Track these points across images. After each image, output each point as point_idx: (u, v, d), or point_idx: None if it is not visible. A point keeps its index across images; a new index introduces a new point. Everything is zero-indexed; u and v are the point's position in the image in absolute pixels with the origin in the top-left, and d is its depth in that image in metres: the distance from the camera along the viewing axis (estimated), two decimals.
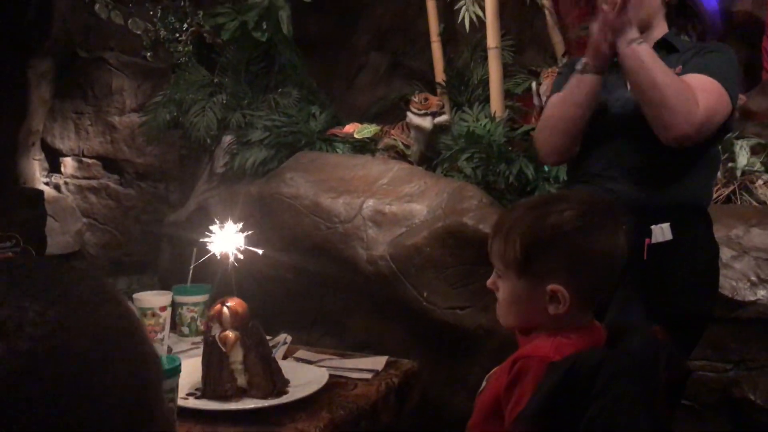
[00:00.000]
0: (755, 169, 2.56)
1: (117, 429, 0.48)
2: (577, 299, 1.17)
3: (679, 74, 1.58)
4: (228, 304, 1.42)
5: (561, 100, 1.66)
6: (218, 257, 1.53)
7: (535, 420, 1.11)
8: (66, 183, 4.34)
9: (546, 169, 2.74)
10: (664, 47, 1.66)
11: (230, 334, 1.40)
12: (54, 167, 4.33)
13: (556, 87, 1.76)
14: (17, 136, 4.01)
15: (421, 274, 2.56)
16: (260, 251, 1.50)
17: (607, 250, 1.17)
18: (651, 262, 1.56)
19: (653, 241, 1.56)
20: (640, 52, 1.53)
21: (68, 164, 4.32)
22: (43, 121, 4.21)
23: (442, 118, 3.03)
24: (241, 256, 1.51)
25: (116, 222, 4.36)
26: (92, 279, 0.51)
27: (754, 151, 2.65)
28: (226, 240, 1.51)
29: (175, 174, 4.19)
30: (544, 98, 3.12)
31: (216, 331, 1.42)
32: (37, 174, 4.25)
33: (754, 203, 2.44)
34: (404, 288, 2.58)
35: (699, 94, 1.52)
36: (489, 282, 1.26)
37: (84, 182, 4.35)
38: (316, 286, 2.78)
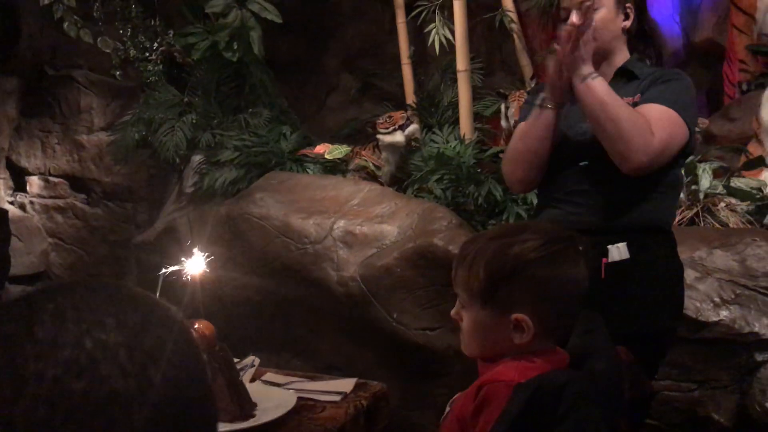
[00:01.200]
0: (717, 191, 2.62)
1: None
2: (541, 328, 1.18)
3: (637, 102, 1.63)
4: (195, 327, 1.40)
5: (524, 133, 1.72)
6: (187, 280, 1.51)
7: None
8: (31, 202, 4.27)
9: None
10: (624, 75, 1.71)
11: None
12: (19, 186, 4.26)
13: (523, 115, 1.81)
14: None
15: (391, 295, 2.56)
16: (233, 274, 1.48)
17: (570, 278, 1.19)
18: (609, 281, 1.59)
19: (610, 260, 1.60)
20: (595, 88, 1.57)
21: (34, 183, 4.25)
22: (9, 139, 4.15)
23: (412, 128, 3.05)
24: (203, 280, 1.50)
25: (83, 242, 4.29)
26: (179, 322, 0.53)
27: (716, 174, 2.71)
28: (194, 264, 1.50)
29: (143, 194, 4.15)
30: (512, 121, 3.17)
31: None
32: (2, 193, 4.18)
33: (717, 225, 2.49)
34: (374, 309, 2.58)
35: (655, 124, 1.56)
36: (453, 312, 1.27)
37: (50, 201, 4.28)
38: (285, 307, 2.76)
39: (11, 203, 4.18)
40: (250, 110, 3.29)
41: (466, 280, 1.20)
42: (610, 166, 1.59)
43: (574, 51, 1.58)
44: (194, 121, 3.20)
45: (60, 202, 4.28)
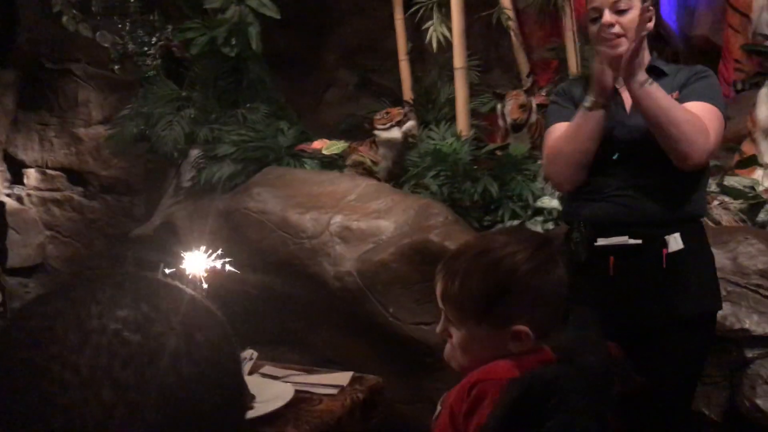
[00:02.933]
0: (711, 189, 2.64)
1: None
2: (537, 331, 1.21)
3: (678, 99, 1.71)
4: None
5: (569, 135, 1.77)
6: (188, 278, 1.53)
7: None
8: (29, 195, 4.28)
9: (512, 186, 2.79)
10: (653, 72, 1.75)
11: None
12: (17, 179, 4.27)
13: (554, 116, 1.88)
14: None
15: (387, 290, 2.58)
16: (235, 270, 1.50)
17: (559, 281, 1.21)
18: (669, 270, 1.70)
19: (669, 250, 1.70)
20: (653, 93, 1.65)
21: (31, 176, 4.26)
22: (6, 131, 4.16)
23: (409, 124, 3.06)
24: (205, 276, 1.51)
25: (80, 235, 4.30)
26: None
27: (710, 173, 2.73)
28: (196, 262, 1.52)
29: (140, 187, 4.16)
30: (509, 120, 3.20)
31: None
32: None
33: (710, 223, 2.52)
34: (370, 304, 2.60)
35: (706, 122, 1.67)
36: (438, 330, 1.28)
37: (47, 194, 4.29)
38: (282, 301, 2.78)
39: (8, 196, 4.19)
40: (248, 105, 3.31)
41: (456, 299, 1.21)
42: (658, 161, 1.68)
43: (634, 58, 1.65)
44: (192, 116, 3.22)
45: (57, 195, 4.29)
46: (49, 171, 4.27)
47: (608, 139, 1.75)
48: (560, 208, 2.65)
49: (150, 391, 0.48)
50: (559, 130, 1.81)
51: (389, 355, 2.62)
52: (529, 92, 3.25)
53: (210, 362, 0.52)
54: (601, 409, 1.26)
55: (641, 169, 1.73)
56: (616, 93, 1.77)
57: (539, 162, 2.93)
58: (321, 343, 2.74)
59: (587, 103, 1.73)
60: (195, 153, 3.24)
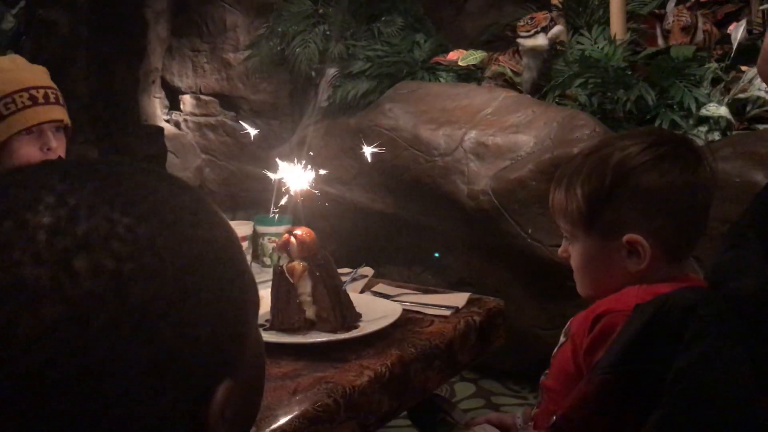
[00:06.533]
0: None
1: (207, 360, 0.43)
2: (660, 248, 0.99)
3: None
4: (295, 234, 1.35)
5: None
6: (291, 192, 1.48)
7: (615, 369, 0.96)
8: (185, 120, 4.46)
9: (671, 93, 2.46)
10: None
11: (297, 264, 1.34)
12: (174, 105, 4.46)
13: None
14: (138, 75, 4.14)
15: (525, 210, 2.40)
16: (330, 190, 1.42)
17: (686, 183, 0.98)
18: None
19: None
20: None
21: (187, 102, 4.43)
22: (162, 59, 4.33)
23: (556, 30, 2.78)
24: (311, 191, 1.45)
25: (234, 158, 4.45)
26: (191, 193, 0.46)
27: None
28: (296, 176, 1.45)
29: (287, 110, 4.20)
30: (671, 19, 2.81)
31: (284, 261, 1.36)
32: (158, 111, 4.40)
33: None
34: (507, 224, 2.44)
35: None
36: (560, 250, 1.11)
37: (202, 119, 4.45)
38: (415, 221, 2.69)
39: (167, 121, 4.40)
40: (384, 18, 3.16)
41: (563, 207, 1.04)
42: None
43: None
44: (327, 33, 3.13)
45: (211, 120, 4.44)
46: (202, 96, 4.42)
47: None
48: (729, 116, 2.30)
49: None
50: None
51: (528, 279, 2.46)
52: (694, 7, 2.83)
53: (93, 298, 0.40)
54: (755, 344, 1.05)
55: None
56: None
57: (707, 65, 2.56)
58: (455, 264, 2.63)
59: None
60: (332, 71, 3.17)
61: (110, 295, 0.39)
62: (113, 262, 0.39)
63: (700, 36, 2.76)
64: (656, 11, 3.01)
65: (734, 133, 2.33)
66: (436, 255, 2.63)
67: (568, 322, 1.13)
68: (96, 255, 0.39)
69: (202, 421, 0.44)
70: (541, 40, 2.81)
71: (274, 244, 1.72)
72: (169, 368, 0.41)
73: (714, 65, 2.54)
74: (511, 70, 2.86)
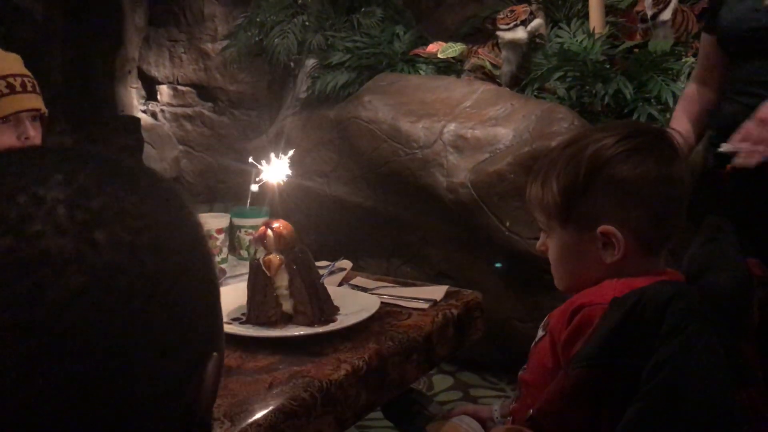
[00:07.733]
0: None
1: (204, 331, 0.46)
2: (636, 240, 0.99)
3: None
4: (272, 226, 1.34)
5: None
6: (270, 183, 1.46)
7: (592, 362, 0.97)
8: (162, 111, 4.42)
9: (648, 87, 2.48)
10: None
11: (274, 257, 1.32)
12: (151, 95, 4.41)
13: None
14: (114, 64, 4.09)
15: (503, 203, 2.40)
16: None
17: (661, 175, 0.98)
18: None
19: None
20: None
21: (164, 92, 4.38)
22: (139, 49, 4.27)
23: (535, 23, 2.77)
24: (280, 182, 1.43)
25: (211, 150, 4.41)
26: (166, 181, 0.49)
27: None
28: (275, 168, 1.43)
29: (265, 101, 4.17)
30: (649, 12, 2.81)
31: (261, 254, 1.35)
32: (135, 102, 4.34)
33: None
34: (486, 217, 2.44)
35: None
36: (538, 244, 1.11)
37: (179, 110, 4.41)
38: (395, 213, 2.68)
39: (144, 112, 4.35)
40: (363, 9, 3.14)
41: (540, 200, 1.04)
42: None
43: None
44: (306, 23, 3.10)
45: (189, 111, 4.40)
46: (180, 87, 4.37)
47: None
48: None
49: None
50: None
51: (505, 271, 2.47)
52: None
53: (120, 268, 0.41)
54: (731, 338, 1.05)
55: None
56: None
57: (685, 59, 2.57)
58: (435, 256, 2.63)
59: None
60: (311, 63, 3.15)
61: (128, 265, 0.41)
62: (128, 235, 0.41)
63: (667, 13, 2.73)
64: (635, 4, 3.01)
65: None
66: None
67: (547, 317, 1.13)
68: (112, 228, 0.41)
69: (196, 395, 0.46)
70: (520, 33, 2.81)
71: (251, 237, 1.71)
72: (177, 336, 0.43)
73: (691, 59, 2.56)
74: (491, 63, 2.86)
